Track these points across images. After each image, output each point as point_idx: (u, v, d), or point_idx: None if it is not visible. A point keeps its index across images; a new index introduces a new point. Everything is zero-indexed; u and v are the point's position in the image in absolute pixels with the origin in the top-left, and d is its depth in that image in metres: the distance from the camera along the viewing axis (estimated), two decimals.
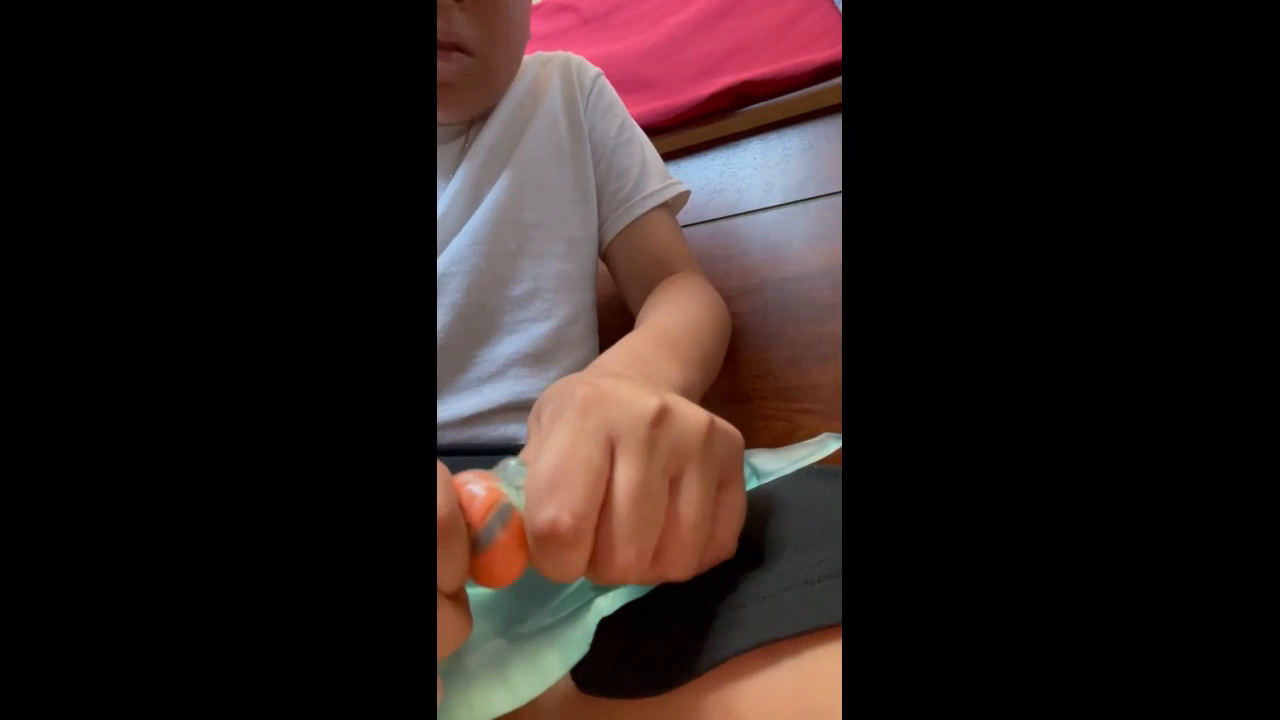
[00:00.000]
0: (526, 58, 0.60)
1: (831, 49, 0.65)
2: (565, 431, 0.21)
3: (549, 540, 0.19)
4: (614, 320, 0.62)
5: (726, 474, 0.24)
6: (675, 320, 0.44)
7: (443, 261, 0.48)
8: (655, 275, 0.55)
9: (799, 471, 0.27)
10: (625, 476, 0.20)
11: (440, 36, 0.44)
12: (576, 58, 0.61)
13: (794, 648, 0.21)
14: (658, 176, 0.58)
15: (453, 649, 0.19)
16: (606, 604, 0.23)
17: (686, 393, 0.36)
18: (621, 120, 0.60)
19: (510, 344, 0.48)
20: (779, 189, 0.66)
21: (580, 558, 0.19)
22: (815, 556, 0.23)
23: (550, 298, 0.51)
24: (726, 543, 0.24)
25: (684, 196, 0.59)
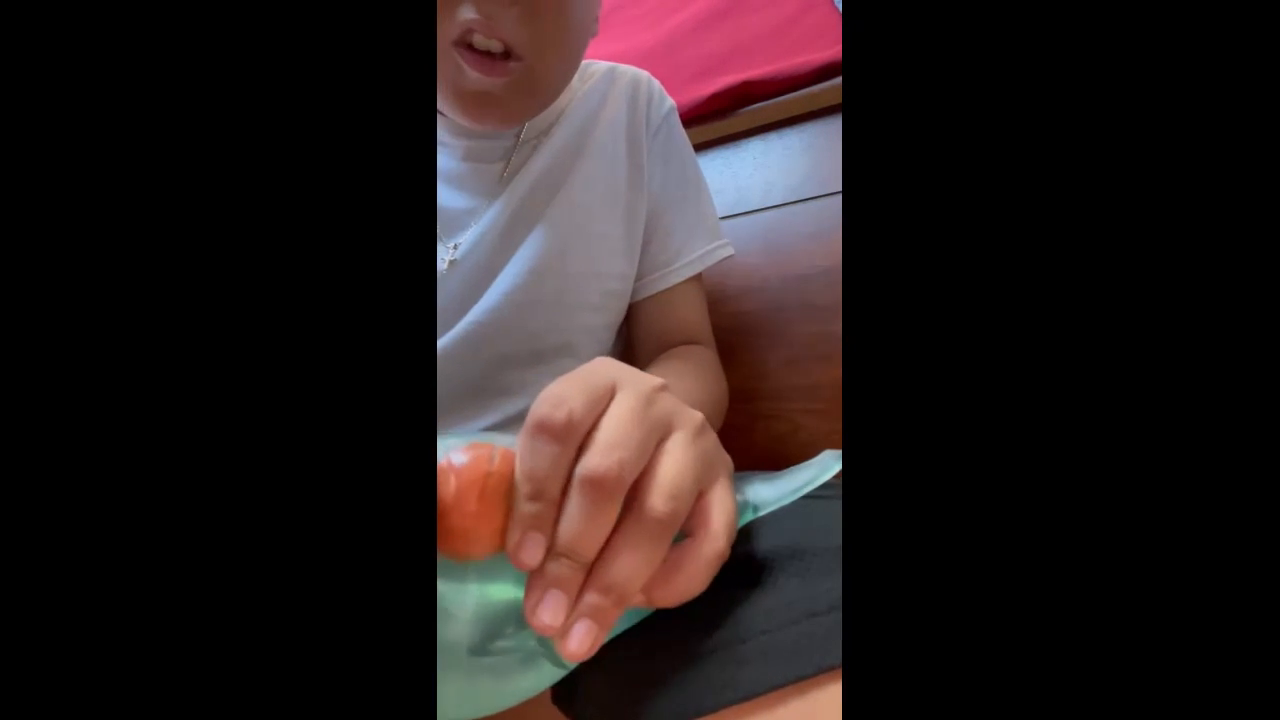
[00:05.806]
0: (596, 67, 0.54)
1: (831, 49, 0.65)
2: (576, 371, 0.23)
3: (542, 429, 0.20)
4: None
5: (715, 473, 0.23)
6: (688, 397, 0.45)
7: (475, 312, 0.45)
8: (675, 345, 0.53)
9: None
10: (620, 401, 0.22)
11: (487, 39, 0.39)
12: (652, 82, 0.56)
13: (800, 685, 0.21)
14: (704, 238, 0.54)
15: None
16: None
17: None
18: (683, 170, 0.55)
19: (527, 398, 0.46)
20: (779, 189, 0.66)
21: (566, 453, 0.21)
22: (821, 584, 0.22)
23: (576, 352, 0.48)
24: (717, 534, 0.22)
25: (725, 260, 0.55)
